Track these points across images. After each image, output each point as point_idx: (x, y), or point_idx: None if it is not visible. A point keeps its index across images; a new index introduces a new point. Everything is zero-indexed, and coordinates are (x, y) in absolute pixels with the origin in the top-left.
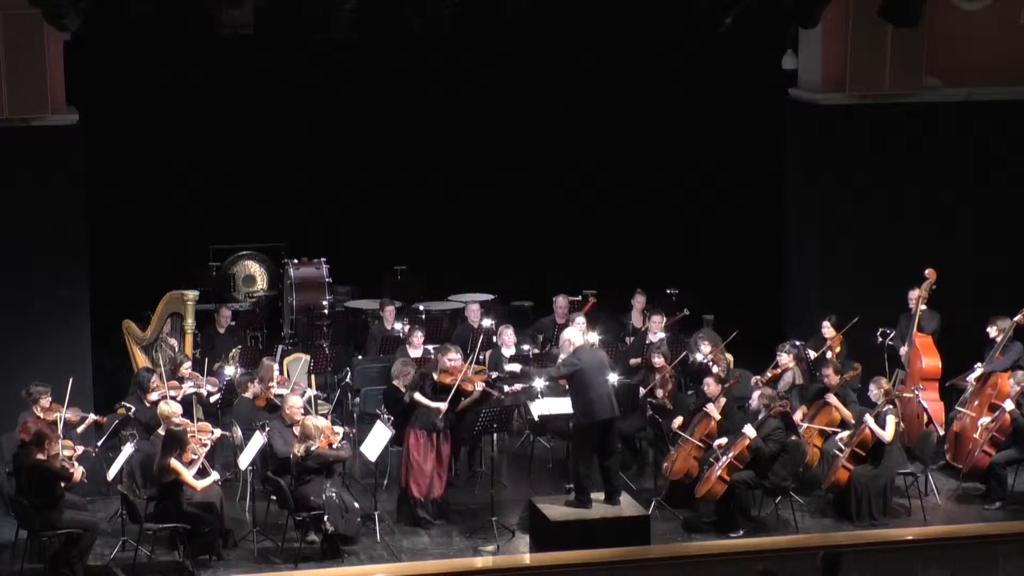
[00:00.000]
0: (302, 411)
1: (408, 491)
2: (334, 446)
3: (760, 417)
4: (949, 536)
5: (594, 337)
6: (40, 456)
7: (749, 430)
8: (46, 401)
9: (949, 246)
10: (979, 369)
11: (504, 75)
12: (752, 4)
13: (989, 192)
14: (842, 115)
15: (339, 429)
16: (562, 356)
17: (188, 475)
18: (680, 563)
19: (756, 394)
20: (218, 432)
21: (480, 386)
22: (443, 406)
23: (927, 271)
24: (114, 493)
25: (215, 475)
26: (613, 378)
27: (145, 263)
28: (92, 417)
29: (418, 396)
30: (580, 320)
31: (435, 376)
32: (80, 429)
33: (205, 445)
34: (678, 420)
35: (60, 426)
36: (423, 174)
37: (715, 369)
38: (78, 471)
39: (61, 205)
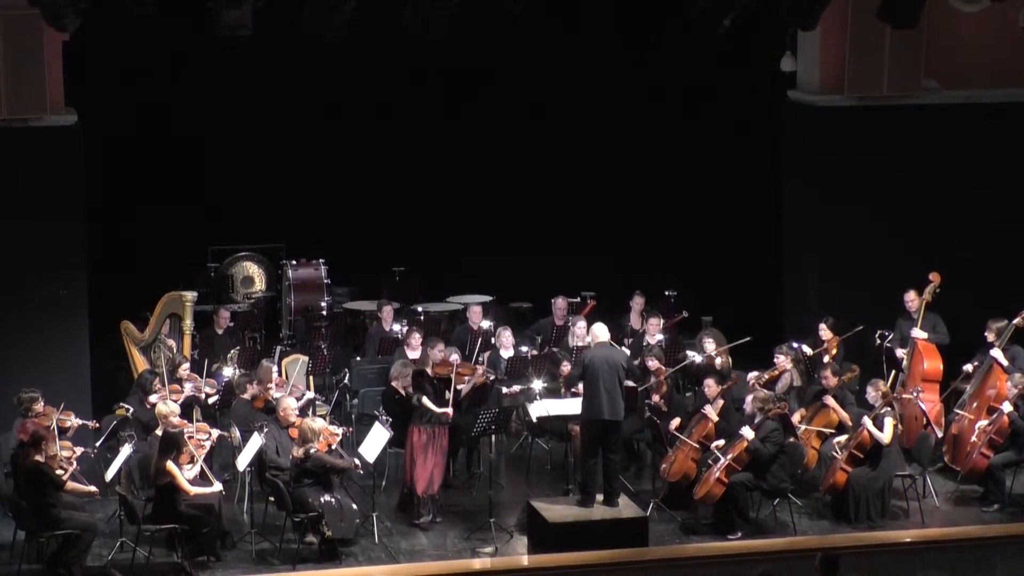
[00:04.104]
0: (297, 413)
1: (413, 489)
2: (333, 447)
3: (757, 419)
4: (947, 538)
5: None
6: (38, 457)
7: (747, 431)
8: (39, 407)
9: (948, 248)
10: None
11: (503, 76)
12: (751, 5)
13: (988, 194)
14: (841, 117)
15: (337, 430)
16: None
17: (182, 478)
18: (678, 565)
19: (749, 398)
20: (216, 433)
21: (479, 369)
22: (449, 411)
23: (931, 275)
24: (112, 494)
25: (218, 486)
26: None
27: (144, 264)
28: (78, 421)
29: (426, 401)
30: (581, 324)
31: (430, 372)
32: (69, 433)
33: (203, 446)
34: (676, 421)
35: (54, 427)
36: (422, 175)
37: (718, 362)
38: (68, 479)
39: (60, 205)
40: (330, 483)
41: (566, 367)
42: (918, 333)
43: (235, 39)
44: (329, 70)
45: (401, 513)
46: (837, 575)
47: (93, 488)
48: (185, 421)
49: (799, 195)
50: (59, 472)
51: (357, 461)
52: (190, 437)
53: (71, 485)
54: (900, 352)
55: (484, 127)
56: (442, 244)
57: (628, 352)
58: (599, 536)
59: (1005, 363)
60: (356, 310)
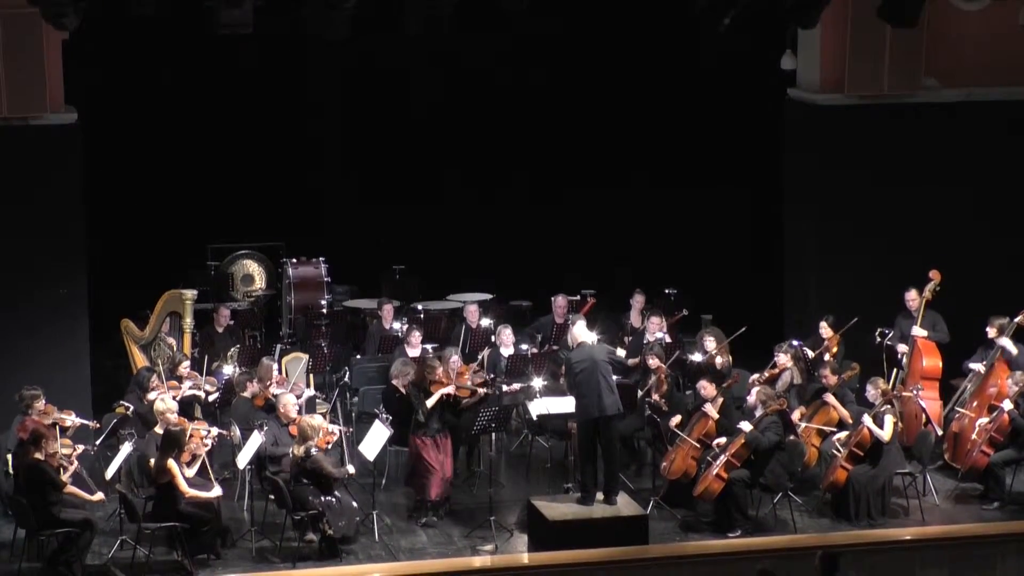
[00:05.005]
0: (297, 409)
1: (426, 496)
2: (330, 445)
3: (758, 413)
4: (947, 536)
5: (593, 337)
6: (38, 455)
7: (745, 425)
8: (40, 404)
9: (948, 247)
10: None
11: (503, 75)
12: (751, 4)
13: (988, 193)
14: (841, 115)
15: (335, 428)
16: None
17: (181, 478)
18: (678, 563)
19: (754, 391)
20: (215, 431)
21: (480, 391)
22: (450, 389)
23: (931, 272)
24: (112, 492)
25: (217, 491)
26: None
27: (144, 262)
28: (78, 421)
29: (430, 402)
30: (580, 322)
31: (429, 388)
32: (69, 432)
33: (206, 445)
34: (676, 419)
35: (57, 427)
36: (422, 174)
37: (719, 360)
38: (70, 478)
39: (60, 204)
40: (328, 485)
41: None
42: (918, 331)
43: (235, 38)
44: (329, 69)
45: (411, 515)
46: (837, 573)
47: (97, 497)
48: (183, 419)
49: (799, 193)
50: (60, 470)
51: (351, 469)
52: (190, 436)
53: (71, 489)
54: (900, 350)
55: (484, 126)
56: (442, 242)
57: (615, 346)
58: (599, 534)
59: (1015, 351)
60: (356, 308)
